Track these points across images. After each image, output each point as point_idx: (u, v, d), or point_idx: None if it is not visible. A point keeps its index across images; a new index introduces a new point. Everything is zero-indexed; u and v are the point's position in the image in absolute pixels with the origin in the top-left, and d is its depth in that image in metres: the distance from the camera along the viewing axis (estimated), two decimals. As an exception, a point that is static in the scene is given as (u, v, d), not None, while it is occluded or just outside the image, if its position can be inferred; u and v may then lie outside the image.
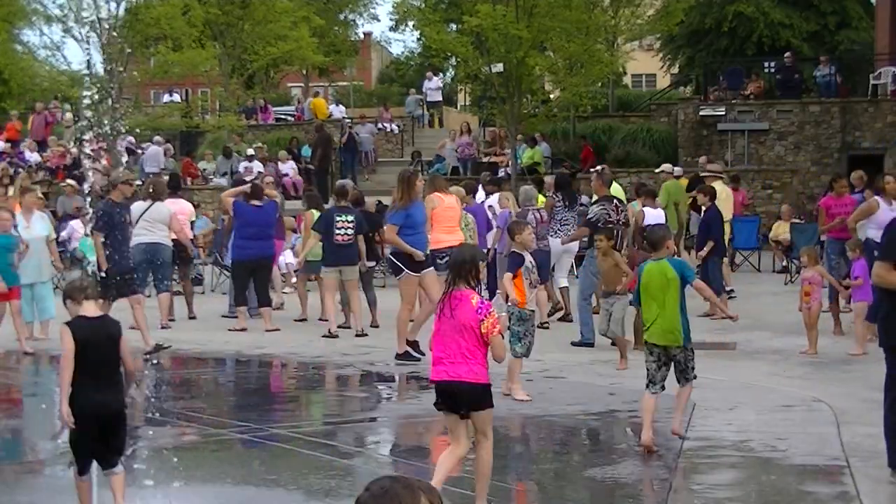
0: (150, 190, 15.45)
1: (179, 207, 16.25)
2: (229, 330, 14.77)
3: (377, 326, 15.07)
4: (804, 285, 13.04)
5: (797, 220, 22.27)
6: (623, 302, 11.95)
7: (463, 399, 6.70)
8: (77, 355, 6.54)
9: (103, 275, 13.17)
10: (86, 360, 6.56)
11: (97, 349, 6.60)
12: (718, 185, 18.61)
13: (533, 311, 10.49)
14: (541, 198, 16.85)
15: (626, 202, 15.21)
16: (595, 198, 14.78)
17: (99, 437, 6.65)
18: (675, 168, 22.07)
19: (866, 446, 8.33)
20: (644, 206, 16.09)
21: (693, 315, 14.86)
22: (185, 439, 9.56)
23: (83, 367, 6.55)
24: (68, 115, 33.87)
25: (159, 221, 14.94)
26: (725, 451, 8.32)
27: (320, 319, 15.22)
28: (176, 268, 16.61)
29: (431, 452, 8.73)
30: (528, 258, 10.46)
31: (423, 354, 11.94)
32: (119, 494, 6.76)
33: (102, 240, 13.51)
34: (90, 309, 6.81)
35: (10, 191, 19.87)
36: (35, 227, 14.31)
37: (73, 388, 6.54)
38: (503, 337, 6.91)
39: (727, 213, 18.35)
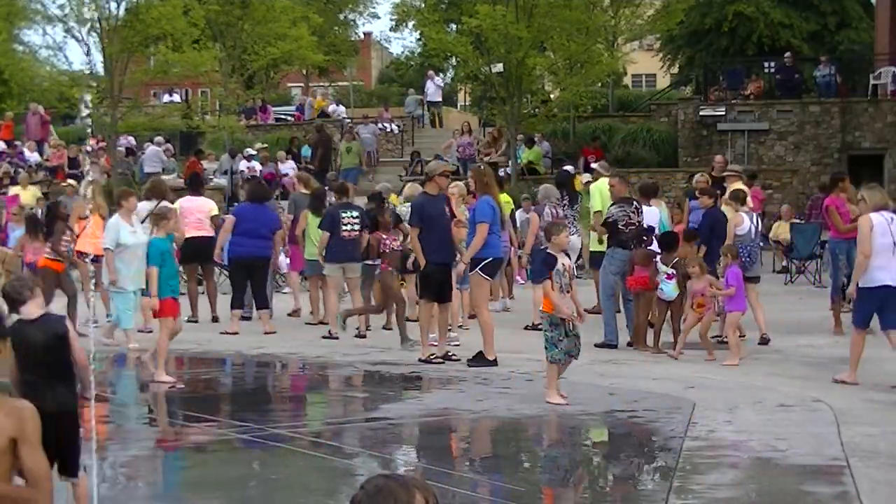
0: (147, 190, 15.52)
1: (197, 205, 16.25)
2: (220, 333, 14.72)
3: (390, 329, 15.06)
4: (696, 298, 12.63)
5: (797, 220, 22.27)
6: None
7: None
8: (19, 358, 6.25)
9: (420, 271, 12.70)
10: (29, 361, 6.30)
11: (39, 351, 6.32)
12: (741, 185, 18.57)
13: (563, 318, 9.97)
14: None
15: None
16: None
17: (50, 438, 6.16)
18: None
19: (866, 446, 8.33)
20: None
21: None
22: (185, 439, 9.56)
23: (29, 367, 6.29)
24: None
25: None
26: (725, 451, 8.32)
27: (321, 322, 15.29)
28: (200, 268, 16.72)
29: (432, 452, 8.73)
30: (563, 261, 10.20)
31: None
32: None
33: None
34: (31, 310, 6.47)
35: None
36: (140, 231, 13.82)
37: (24, 388, 6.20)
38: None
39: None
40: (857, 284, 10.98)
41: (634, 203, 13.80)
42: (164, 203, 15.17)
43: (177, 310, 11.77)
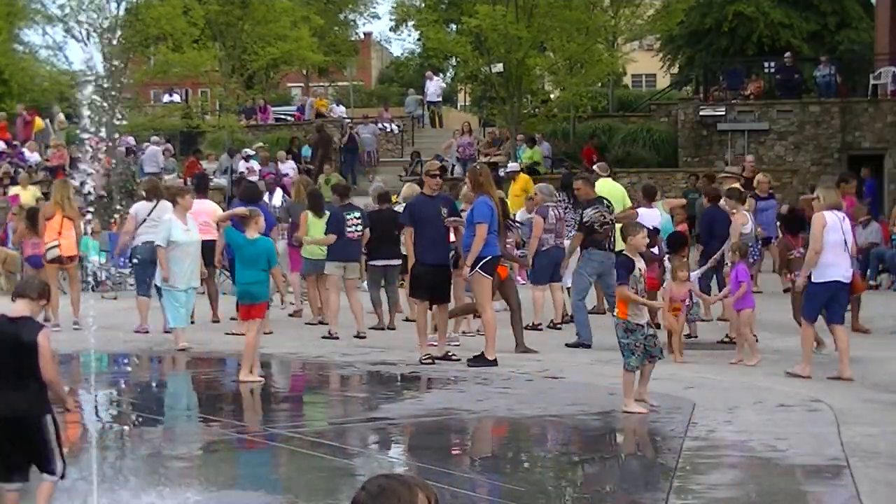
0: (145, 191, 15.48)
1: (202, 208, 16.00)
2: (226, 333, 14.70)
3: (393, 328, 15.05)
4: (676, 302, 12.52)
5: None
6: None
7: None
8: None
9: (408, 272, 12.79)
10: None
11: (5, 350, 6.31)
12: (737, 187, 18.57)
13: (639, 324, 9.66)
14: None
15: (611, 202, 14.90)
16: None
17: (3, 444, 6.30)
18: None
19: (866, 446, 8.33)
20: (639, 205, 15.97)
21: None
22: (184, 440, 9.56)
23: None
24: (61, 117, 33.81)
25: None
26: (725, 451, 8.32)
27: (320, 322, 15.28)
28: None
29: (432, 452, 8.73)
30: (639, 265, 9.80)
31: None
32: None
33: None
34: (17, 308, 6.51)
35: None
36: (193, 229, 13.87)
37: None
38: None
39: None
40: (809, 279, 11.32)
41: (606, 202, 13.82)
42: (163, 202, 15.13)
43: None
